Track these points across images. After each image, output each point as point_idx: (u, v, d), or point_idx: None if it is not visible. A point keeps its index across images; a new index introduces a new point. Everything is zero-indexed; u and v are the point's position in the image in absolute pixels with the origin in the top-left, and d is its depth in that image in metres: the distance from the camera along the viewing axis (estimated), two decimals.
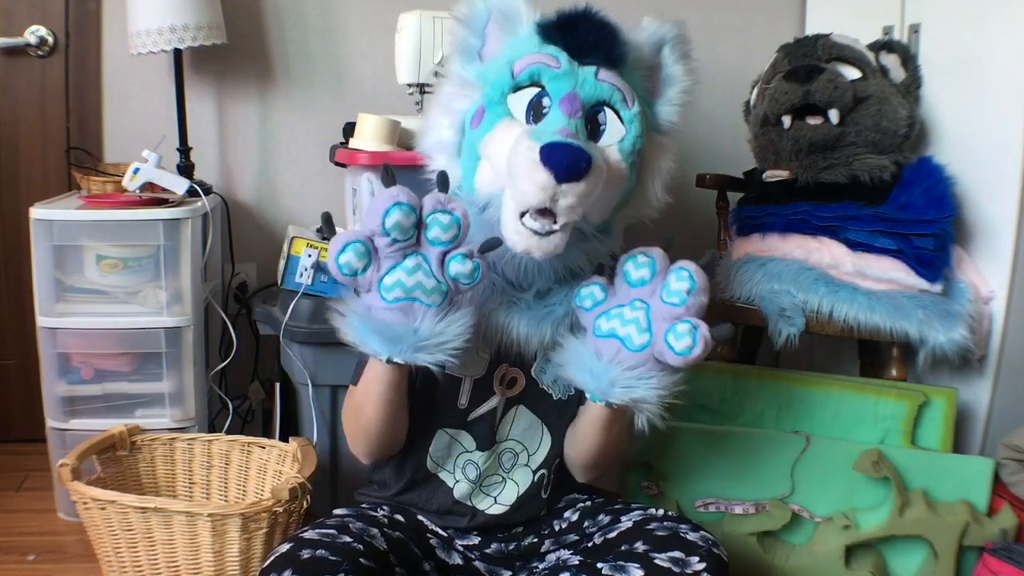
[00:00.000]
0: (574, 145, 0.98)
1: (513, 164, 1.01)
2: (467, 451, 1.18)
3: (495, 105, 1.07)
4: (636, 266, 1.10)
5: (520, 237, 1.03)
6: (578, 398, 1.19)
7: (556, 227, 1.01)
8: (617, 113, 1.07)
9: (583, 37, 1.07)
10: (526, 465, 1.20)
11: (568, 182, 0.97)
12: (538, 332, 1.11)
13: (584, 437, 1.16)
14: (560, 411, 1.19)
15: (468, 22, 1.13)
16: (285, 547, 0.99)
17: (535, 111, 1.07)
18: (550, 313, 1.12)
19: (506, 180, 1.03)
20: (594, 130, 1.07)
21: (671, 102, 1.17)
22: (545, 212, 1.00)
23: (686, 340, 1.04)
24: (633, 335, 1.06)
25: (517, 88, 1.07)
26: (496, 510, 1.19)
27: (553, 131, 1.01)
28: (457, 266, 1.01)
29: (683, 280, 1.06)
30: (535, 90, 1.07)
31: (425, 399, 1.16)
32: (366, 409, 1.11)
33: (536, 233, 1.02)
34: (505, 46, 1.11)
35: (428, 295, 1.00)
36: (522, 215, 1.02)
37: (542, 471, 1.20)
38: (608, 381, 1.06)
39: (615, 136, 1.08)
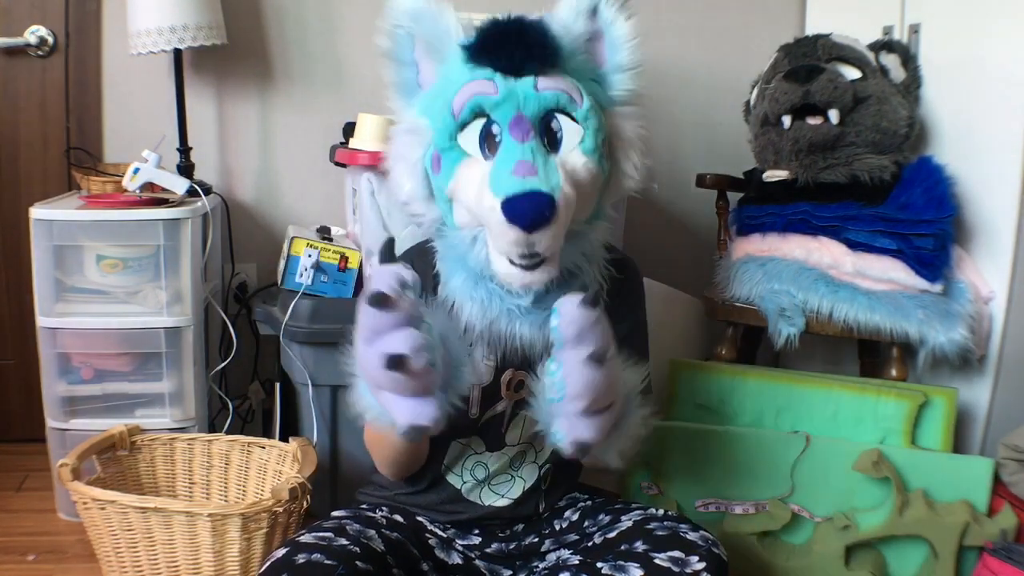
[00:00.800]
0: (534, 193, 0.95)
1: (483, 219, 1.01)
2: (476, 453, 1.19)
3: (448, 150, 1.04)
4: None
5: (512, 276, 1.03)
6: None
7: (542, 256, 1.01)
8: (569, 115, 1.04)
9: (511, 53, 1.02)
10: (534, 462, 1.21)
11: (537, 231, 0.97)
12: (541, 335, 1.10)
13: None
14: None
15: (395, 55, 1.09)
16: (281, 552, 0.99)
17: (488, 142, 1.03)
18: (551, 316, 1.11)
19: (479, 216, 1.02)
20: (551, 139, 1.04)
21: (620, 69, 1.10)
22: (526, 254, 1.00)
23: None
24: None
25: (463, 126, 1.04)
26: (501, 503, 1.19)
27: (510, 169, 0.98)
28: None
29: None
30: (481, 121, 1.03)
31: None
32: (385, 452, 1.14)
33: (526, 268, 1.01)
34: (438, 75, 1.08)
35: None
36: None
37: (547, 466, 1.21)
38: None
39: (574, 139, 1.04)
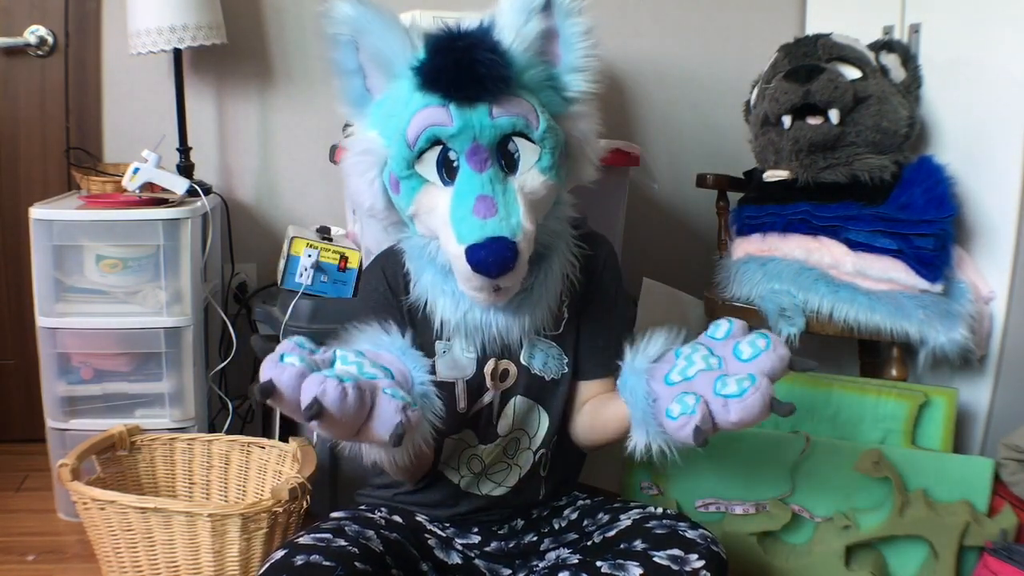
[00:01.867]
0: (497, 241, 0.98)
1: (449, 260, 1.03)
2: (471, 446, 1.19)
3: (406, 178, 1.05)
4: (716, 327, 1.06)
5: (478, 299, 1.06)
6: (572, 374, 1.20)
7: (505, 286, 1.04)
8: (526, 137, 1.04)
9: (466, 83, 1.00)
10: (528, 448, 1.21)
11: (501, 277, 1.00)
12: (517, 321, 1.11)
13: (603, 433, 1.17)
14: (554, 391, 1.19)
15: (339, 63, 1.10)
16: (280, 554, 0.99)
17: (446, 168, 1.04)
18: (525, 300, 1.11)
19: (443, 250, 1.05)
20: (509, 161, 1.04)
21: (574, 68, 1.09)
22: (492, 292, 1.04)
23: (676, 407, 0.98)
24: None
25: (420, 153, 1.04)
26: (498, 492, 1.20)
27: (470, 207, 1.00)
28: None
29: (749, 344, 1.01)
30: (437, 148, 1.04)
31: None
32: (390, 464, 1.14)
33: (492, 292, 1.04)
34: (389, 89, 1.07)
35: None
36: None
37: (542, 451, 1.21)
38: (658, 444, 1.04)
39: (531, 159, 1.05)
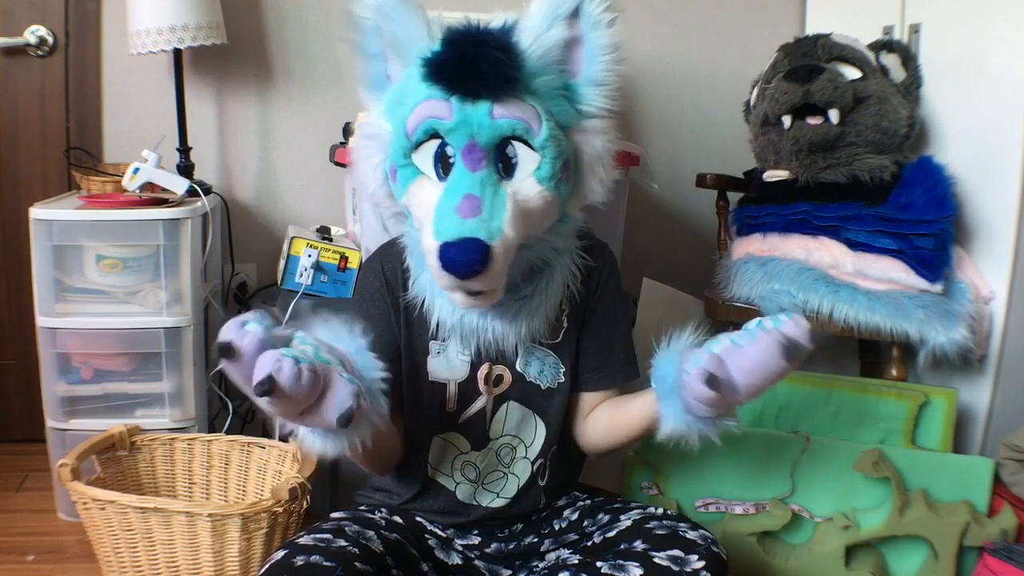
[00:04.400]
0: (469, 242, 0.96)
1: (425, 253, 1.01)
2: (462, 452, 1.18)
3: (402, 167, 1.05)
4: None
5: (456, 300, 1.04)
6: (569, 384, 1.19)
7: (484, 291, 1.02)
8: (526, 143, 1.02)
9: (468, 77, 0.99)
10: (524, 457, 1.20)
11: (469, 279, 0.97)
12: (513, 328, 1.11)
13: (627, 429, 1.17)
14: (550, 399, 1.19)
15: (362, 47, 1.08)
16: (280, 554, 0.99)
17: (442, 163, 1.03)
18: (523, 307, 1.10)
19: None
20: (507, 165, 1.03)
21: (594, 82, 1.06)
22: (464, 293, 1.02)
23: (692, 362, 0.98)
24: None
25: (417, 144, 1.03)
26: (497, 503, 1.19)
27: (455, 204, 0.98)
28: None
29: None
30: (436, 142, 1.02)
31: (415, 411, 1.17)
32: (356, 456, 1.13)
33: (469, 294, 1.02)
34: (402, 81, 1.07)
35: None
36: None
37: (540, 460, 1.20)
38: (685, 422, 1.04)
39: (529, 166, 1.03)
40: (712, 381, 0.96)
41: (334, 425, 0.90)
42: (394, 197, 1.10)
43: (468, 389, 1.16)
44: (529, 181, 1.03)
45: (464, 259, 0.96)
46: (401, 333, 1.16)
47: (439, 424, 1.17)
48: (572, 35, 1.05)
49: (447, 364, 1.15)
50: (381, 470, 1.20)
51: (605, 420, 1.20)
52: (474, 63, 0.98)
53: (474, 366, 1.16)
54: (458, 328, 1.11)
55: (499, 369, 1.17)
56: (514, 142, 1.02)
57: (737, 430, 1.06)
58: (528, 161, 1.03)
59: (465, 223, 0.97)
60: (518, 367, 1.17)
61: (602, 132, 1.08)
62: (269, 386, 0.84)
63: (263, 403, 0.87)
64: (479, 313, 1.10)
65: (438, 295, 1.10)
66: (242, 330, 0.88)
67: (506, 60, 0.99)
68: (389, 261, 1.17)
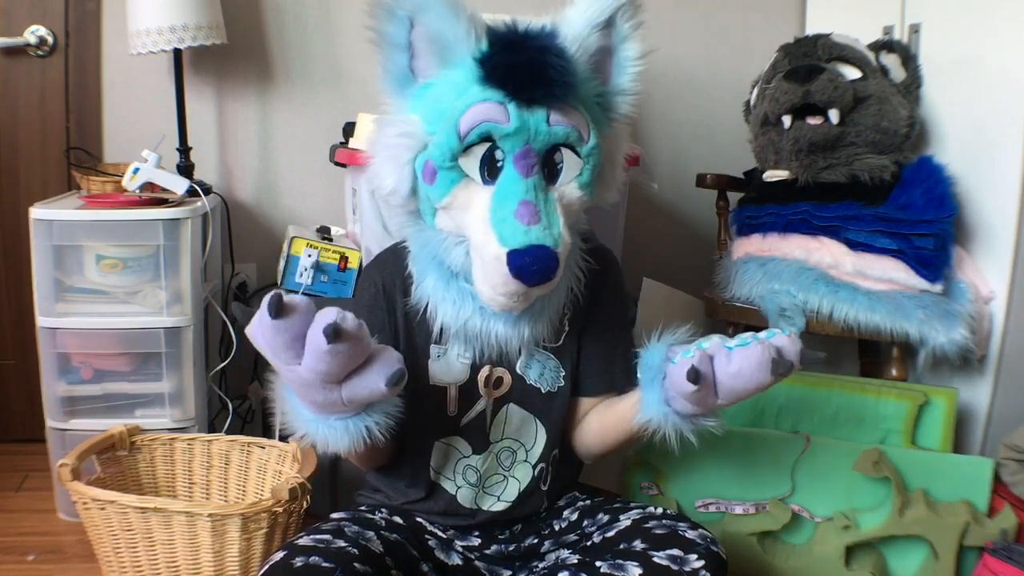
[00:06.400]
0: (540, 249, 0.96)
1: (482, 262, 1.00)
2: (464, 456, 1.18)
3: (446, 170, 1.03)
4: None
5: (495, 303, 1.04)
6: (569, 388, 1.19)
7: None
8: (574, 150, 1.03)
9: (529, 82, 0.98)
10: (525, 461, 1.19)
11: (539, 285, 0.99)
12: (516, 332, 1.10)
13: (616, 430, 1.17)
14: (551, 403, 1.18)
15: (389, 37, 1.04)
16: (279, 555, 0.99)
17: (489, 167, 1.02)
18: (527, 310, 1.09)
19: (474, 249, 1.03)
20: (551, 170, 1.03)
21: (622, 91, 1.09)
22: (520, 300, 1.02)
23: (679, 353, 1.01)
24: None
25: (468, 147, 1.01)
26: (499, 507, 1.18)
27: (513, 210, 0.98)
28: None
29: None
30: (486, 146, 1.01)
31: (415, 414, 1.16)
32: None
33: (511, 300, 1.02)
34: (443, 78, 1.04)
35: None
36: None
37: (541, 464, 1.20)
38: (662, 413, 1.06)
39: (572, 172, 1.04)
40: (695, 375, 0.98)
41: (382, 388, 0.92)
42: (414, 196, 1.08)
43: (468, 392, 1.16)
44: (572, 186, 1.04)
45: (539, 267, 0.96)
46: (400, 338, 1.16)
47: (440, 428, 1.17)
48: (604, 44, 1.07)
49: (447, 368, 1.15)
50: (372, 466, 1.20)
51: (596, 422, 1.20)
52: (541, 70, 0.98)
53: (474, 369, 1.15)
54: (462, 332, 1.11)
55: (499, 372, 1.16)
56: (563, 149, 1.03)
57: (718, 431, 1.07)
58: (572, 167, 1.04)
59: (531, 231, 0.97)
60: (519, 370, 1.17)
61: (621, 139, 1.11)
62: (335, 328, 0.86)
63: (318, 357, 0.88)
64: (482, 317, 1.09)
65: (442, 300, 1.09)
66: (289, 293, 0.90)
67: (568, 67, 1.00)
68: (390, 268, 1.17)
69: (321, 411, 0.97)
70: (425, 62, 1.05)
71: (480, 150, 1.01)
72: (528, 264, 0.96)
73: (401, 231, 1.17)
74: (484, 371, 1.16)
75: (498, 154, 1.01)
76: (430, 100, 1.04)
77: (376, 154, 1.08)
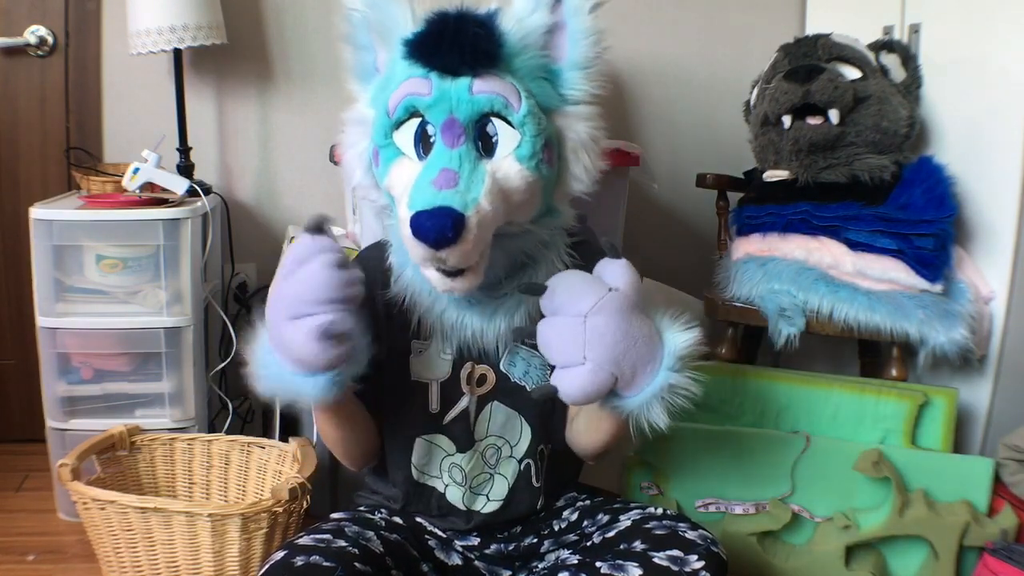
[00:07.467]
0: (441, 210, 0.94)
1: (400, 227, 1.00)
2: (449, 454, 1.17)
3: (384, 147, 1.04)
4: None
5: (435, 281, 1.02)
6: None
7: (459, 267, 1.00)
8: (506, 119, 1.01)
9: (446, 53, 0.99)
10: (510, 457, 1.18)
11: (443, 248, 0.95)
12: (492, 325, 1.09)
13: (592, 432, 1.16)
14: (536, 401, 1.17)
15: (351, 38, 1.10)
16: (279, 555, 0.99)
17: (423, 142, 1.02)
18: (501, 304, 1.09)
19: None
20: (487, 143, 1.02)
21: (577, 66, 1.05)
22: (438, 267, 1.00)
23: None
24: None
25: (398, 124, 1.02)
26: (490, 508, 1.17)
27: (432, 177, 0.97)
28: None
29: None
30: (416, 120, 1.02)
31: (396, 410, 1.16)
32: (326, 430, 1.14)
33: (447, 275, 1.00)
34: (387, 67, 1.07)
35: None
36: None
37: (527, 460, 1.18)
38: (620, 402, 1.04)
39: (510, 144, 1.01)
40: (519, 333, 1.07)
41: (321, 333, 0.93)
42: (377, 187, 1.09)
43: (451, 389, 1.15)
44: (509, 160, 1.01)
45: (435, 225, 0.94)
46: (382, 332, 1.15)
47: (422, 425, 1.16)
48: (555, 21, 1.05)
49: (429, 363, 1.15)
50: (357, 463, 1.20)
51: (583, 419, 1.19)
52: (452, 38, 0.99)
53: (456, 365, 1.15)
54: (438, 325, 1.10)
55: (482, 369, 1.15)
56: (494, 119, 1.01)
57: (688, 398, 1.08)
58: (508, 140, 1.01)
59: (439, 193, 0.96)
60: (502, 367, 1.16)
61: (586, 118, 1.07)
62: (344, 263, 0.96)
63: (318, 281, 0.94)
64: (457, 309, 1.09)
65: (418, 292, 1.09)
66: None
67: (484, 35, 0.99)
68: (371, 260, 1.16)
69: (287, 350, 0.96)
70: (382, 56, 1.09)
71: (411, 126, 1.02)
72: (424, 223, 0.94)
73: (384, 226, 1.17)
74: (467, 368, 1.15)
75: (430, 129, 1.02)
76: (377, 88, 1.08)
77: (343, 150, 1.12)
